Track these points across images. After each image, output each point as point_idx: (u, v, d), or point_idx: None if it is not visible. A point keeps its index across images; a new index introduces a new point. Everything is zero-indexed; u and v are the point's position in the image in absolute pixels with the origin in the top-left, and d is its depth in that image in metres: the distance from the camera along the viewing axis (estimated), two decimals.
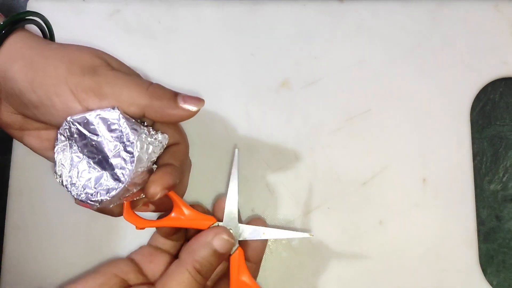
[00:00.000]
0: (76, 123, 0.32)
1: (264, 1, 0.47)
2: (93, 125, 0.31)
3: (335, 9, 0.47)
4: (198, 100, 0.33)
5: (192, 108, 0.33)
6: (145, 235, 0.43)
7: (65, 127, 0.32)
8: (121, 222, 0.44)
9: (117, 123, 0.31)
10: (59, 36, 0.46)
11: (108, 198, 0.31)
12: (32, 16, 0.35)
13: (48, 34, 0.38)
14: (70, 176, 0.32)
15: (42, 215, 0.44)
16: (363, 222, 0.43)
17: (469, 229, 0.43)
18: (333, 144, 0.44)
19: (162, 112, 0.32)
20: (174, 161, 0.34)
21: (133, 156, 0.31)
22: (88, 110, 0.32)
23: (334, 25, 0.46)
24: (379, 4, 0.47)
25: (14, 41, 0.33)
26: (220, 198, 0.39)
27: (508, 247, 0.44)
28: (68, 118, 0.32)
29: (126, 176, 0.31)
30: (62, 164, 0.32)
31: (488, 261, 0.44)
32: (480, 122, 0.46)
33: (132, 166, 0.31)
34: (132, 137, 0.31)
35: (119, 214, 0.36)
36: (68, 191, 0.32)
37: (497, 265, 0.44)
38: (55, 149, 0.32)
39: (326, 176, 0.44)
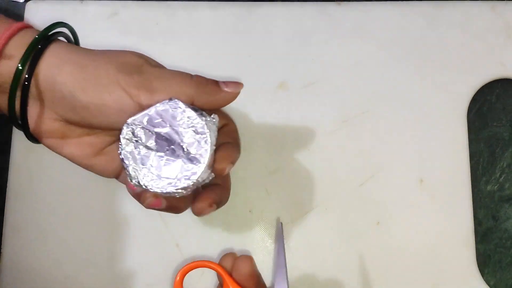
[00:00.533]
0: (137, 123, 0.32)
1: (261, 3, 0.47)
2: (157, 119, 0.32)
3: (332, 11, 0.47)
4: (237, 83, 0.35)
5: (234, 90, 0.35)
6: (144, 237, 0.43)
7: (127, 129, 0.32)
8: (121, 223, 0.44)
9: (180, 111, 0.32)
10: None
11: (194, 181, 0.32)
12: (62, 26, 0.35)
13: (76, 43, 0.39)
14: (146, 175, 0.32)
15: (41, 216, 0.44)
16: (361, 223, 0.43)
17: (466, 229, 0.43)
18: (331, 145, 0.45)
19: (209, 97, 0.34)
20: (229, 139, 0.36)
21: (206, 136, 0.32)
22: (142, 106, 0.32)
23: (331, 27, 0.47)
24: (376, 6, 0.47)
25: (55, 50, 0.33)
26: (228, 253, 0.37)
27: (504, 247, 0.44)
28: (129, 121, 0.32)
29: (204, 157, 0.32)
30: (134, 167, 0.32)
31: (485, 261, 0.44)
32: (477, 123, 0.46)
33: (207, 145, 0.32)
34: (199, 120, 0.32)
35: (185, 209, 0.36)
36: (149, 189, 0.32)
37: (494, 265, 0.44)
38: (122, 155, 0.32)
39: (323, 177, 0.44)
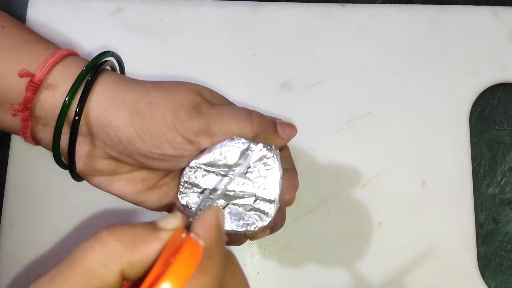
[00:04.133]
0: (199, 165, 0.31)
1: (265, 2, 0.47)
2: (221, 159, 0.31)
3: (337, 12, 0.47)
4: (293, 128, 0.34)
5: (289, 136, 0.34)
6: None
7: (189, 173, 0.31)
8: (120, 220, 0.43)
9: (244, 149, 0.31)
10: (61, 34, 0.46)
11: (267, 223, 0.31)
12: (109, 56, 0.33)
13: (121, 72, 0.37)
14: None
15: (39, 213, 0.44)
16: (363, 223, 0.43)
17: (468, 232, 0.43)
18: (334, 146, 0.45)
19: (266, 141, 0.33)
20: (289, 165, 0.35)
21: (276, 173, 0.31)
22: (201, 149, 0.31)
23: (335, 28, 0.47)
24: (380, 8, 0.47)
25: (105, 85, 0.31)
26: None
27: (505, 250, 0.44)
28: (191, 164, 0.31)
29: (276, 195, 0.31)
30: (197, 210, 0.31)
31: (486, 264, 0.44)
32: (478, 126, 0.46)
33: (278, 182, 0.31)
34: (269, 153, 0.31)
35: (244, 242, 0.35)
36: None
37: (495, 268, 0.44)
38: (183, 199, 0.31)
39: (326, 177, 0.44)
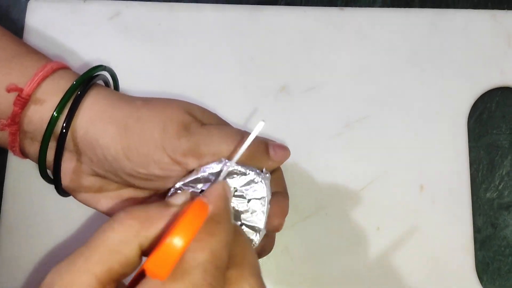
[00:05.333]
0: (186, 187, 0.30)
1: (264, 6, 0.47)
2: (208, 182, 0.30)
3: (335, 16, 0.47)
4: (285, 151, 0.33)
5: (281, 159, 0.33)
6: None
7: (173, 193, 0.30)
8: None
9: (235, 172, 0.30)
10: (59, 38, 0.46)
11: (253, 247, 0.30)
12: (101, 70, 0.33)
13: (114, 87, 0.37)
14: None
15: (37, 217, 0.44)
16: (361, 228, 0.43)
17: (466, 236, 0.43)
18: (331, 150, 0.45)
19: (257, 164, 0.32)
20: (279, 189, 0.34)
21: (263, 200, 0.30)
22: (189, 170, 0.30)
23: (334, 31, 0.47)
24: (379, 12, 0.47)
25: (95, 100, 0.31)
26: None
27: (503, 254, 0.44)
28: (177, 185, 0.30)
29: (262, 221, 0.30)
30: None
31: (484, 268, 0.44)
32: (477, 130, 0.46)
33: (264, 208, 0.30)
34: (258, 178, 0.30)
35: None
36: None
37: (493, 273, 0.44)
38: None
39: (324, 182, 0.44)
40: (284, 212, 0.32)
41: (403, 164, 0.44)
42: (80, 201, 0.34)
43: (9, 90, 0.30)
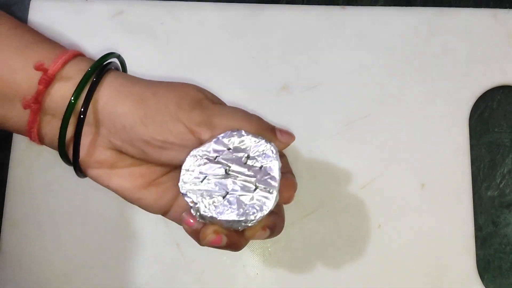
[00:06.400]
0: (202, 154, 0.31)
1: (266, 5, 0.47)
2: (222, 149, 0.31)
3: (337, 15, 0.47)
4: (290, 135, 0.35)
5: (287, 141, 0.35)
6: (144, 236, 0.43)
7: (191, 161, 0.31)
8: (120, 221, 0.44)
9: (246, 139, 0.32)
10: (61, 36, 0.46)
11: (267, 211, 0.31)
12: (115, 57, 0.35)
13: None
14: (211, 206, 0.31)
15: (40, 212, 0.44)
16: (362, 226, 0.43)
17: (467, 235, 0.43)
18: (333, 148, 0.45)
19: None
20: (286, 170, 0.35)
21: (276, 163, 0.31)
22: (202, 142, 0.32)
23: (335, 30, 0.47)
24: (380, 11, 0.47)
25: (112, 79, 0.33)
26: None
27: (504, 252, 0.44)
28: (193, 152, 0.31)
29: (276, 185, 0.31)
30: (197, 197, 0.31)
31: (485, 266, 0.44)
32: (478, 129, 0.46)
33: (278, 172, 0.31)
34: (267, 146, 0.32)
35: (245, 245, 0.34)
36: (216, 220, 0.31)
37: (494, 271, 0.44)
38: (184, 187, 0.31)
39: (325, 180, 0.44)
40: (293, 186, 0.33)
41: (404, 162, 0.44)
42: (92, 177, 0.34)
43: (37, 68, 0.31)
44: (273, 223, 0.32)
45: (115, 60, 0.35)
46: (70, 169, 0.44)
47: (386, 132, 0.45)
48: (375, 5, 0.48)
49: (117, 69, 0.36)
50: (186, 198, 0.31)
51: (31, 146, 0.45)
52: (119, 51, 0.46)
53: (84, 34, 0.47)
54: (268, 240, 0.43)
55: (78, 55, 0.34)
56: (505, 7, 0.48)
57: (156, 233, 0.44)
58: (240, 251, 0.42)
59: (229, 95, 0.45)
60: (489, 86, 0.46)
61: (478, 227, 0.44)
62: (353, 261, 0.43)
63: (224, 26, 0.47)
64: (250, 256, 0.43)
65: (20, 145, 0.45)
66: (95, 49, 0.46)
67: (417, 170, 0.44)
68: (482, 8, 0.47)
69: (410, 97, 0.46)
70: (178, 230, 0.43)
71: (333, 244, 0.43)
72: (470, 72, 0.46)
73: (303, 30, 0.47)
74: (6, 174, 0.45)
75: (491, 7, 0.48)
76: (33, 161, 0.45)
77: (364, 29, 0.47)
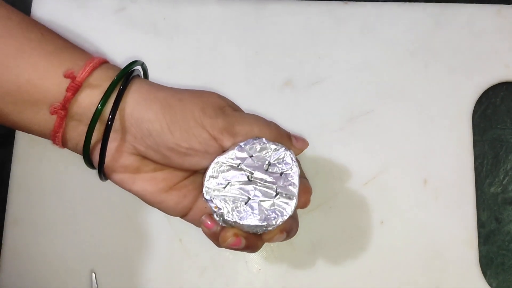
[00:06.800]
0: (225, 160, 0.33)
1: (269, 0, 0.47)
2: (245, 156, 0.33)
3: (340, 10, 0.47)
4: (305, 142, 0.37)
5: (301, 147, 0.37)
6: (147, 231, 0.43)
7: (215, 167, 0.33)
8: (123, 217, 0.44)
9: (267, 147, 0.33)
10: (65, 31, 0.46)
11: (287, 216, 0.32)
12: (138, 64, 0.36)
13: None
14: (233, 210, 0.32)
15: (42, 209, 0.44)
16: (364, 222, 0.43)
17: (470, 231, 0.43)
18: (335, 144, 0.45)
19: None
20: (301, 175, 0.36)
21: (296, 170, 0.33)
22: (223, 149, 0.33)
23: (338, 26, 0.47)
24: (383, 6, 0.47)
25: (138, 86, 0.34)
26: None
27: (507, 249, 0.44)
28: (217, 159, 0.33)
29: (295, 191, 0.33)
30: (219, 202, 0.32)
31: (488, 263, 0.44)
32: (481, 125, 0.46)
33: (297, 178, 0.33)
34: (287, 153, 0.33)
35: (261, 247, 0.35)
36: (238, 224, 0.32)
37: (496, 267, 0.44)
38: (207, 192, 0.32)
39: (327, 175, 0.44)
40: (309, 190, 0.35)
41: (407, 159, 0.44)
42: (116, 181, 0.35)
43: (66, 76, 0.32)
44: (290, 226, 0.34)
45: (138, 67, 0.36)
46: (73, 166, 0.44)
47: (389, 128, 0.45)
48: (378, 1, 0.48)
49: (139, 75, 0.37)
50: (210, 204, 0.32)
51: (34, 143, 0.45)
52: (121, 46, 0.46)
53: (87, 29, 0.47)
54: None
55: (104, 62, 0.35)
56: (509, 3, 0.47)
57: (158, 229, 0.44)
58: None
59: (233, 90, 0.45)
60: (492, 82, 0.46)
61: (481, 224, 0.44)
62: (355, 257, 0.43)
63: (227, 21, 0.47)
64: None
65: (23, 142, 0.45)
66: (97, 45, 0.46)
67: (420, 166, 0.44)
68: (486, 4, 0.47)
69: (414, 93, 0.45)
70: (181, 226, 0.43)
71: (335, 240, 0.43)
72: (474, 68, 0.46)
73: (306, 25, 0.47)
74: (8, 171, 0.45)
75: (495, 3, 0.48)
76: (36, 158, 0.45)
77: (368, 24, 0.47)
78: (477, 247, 0.43)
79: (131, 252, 0.43)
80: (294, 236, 0.43)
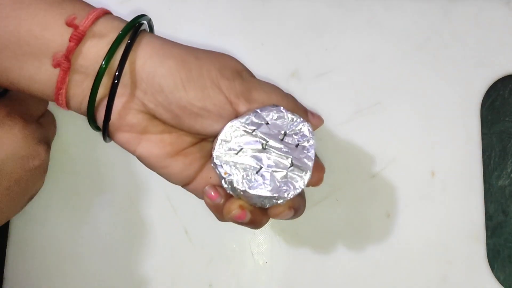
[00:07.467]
0: (240, 125, 0.31)
1: None
2: (261, 122, 0.31)
3: (347, 1, 0.47)
4: (320, 119, 0.36)
5: (317, 123, 0.35)
6: (152, 223, 0.43)
7: (228, 131, 0.31)
8: (128, 208, 0.43)
9: (284, 115, 0.32)
10: None
11: (301, 189, 0.31)
12: (147, 20, 0.33)
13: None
14: (244, 178, 0.30)
15: (46, 201, 0.44)
16: (371, 215, 0.43)
17: (477, 224, 0.43)
18: (342, 136, 0.44)
19: None
20: None
21: (312, 142, 0.32)
22: (238, 114, 0.32)
23: (346, 17, 0.46)
24: None
25: (150, 40, 0.31)
26: None
27: None
28: (231, 123, 0.31)
29: (311, 164, 0.31)
30: (230, 168, 0.30)
31: (495, 256, 0.44)
32: (489, 117, 0.46)
33: (313, 151, 0.31)
34: (304, 124, 0.32)
35: (265, 224, 0.34)
36: (247, 193, 0.30)
37: (504, 260, 0.44)
38: (217, 157, 0.31)
39: (334, 168, 0.44)
40: (322, 168, 0.34)
41: (414, 151, 0.44)
42: (120, 142, 0.33)
43: (68, 23, 0.30)
44: (299, 204, 0.32)
45: (145, 23, 0.33)
46: (77, 157, 0.44)
47: (397, 120, 0.45)
48: None
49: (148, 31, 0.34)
50: (219, 169, 0.31)
51: None
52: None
53: None
54: (277, 228, 0.43)
55: (108, 13, 0.32)
56: None
57: (164, 220, 0.43)
58: (248, 240, 0.43)
59: None
60: (501, 74, 0.45)
61: (488, 217, 0.44)
62: (362, 250, 0.43)
63: (233, 11, 0.46)
64: (259, 244, 0.43)
65: None
66: None
67: (427, 158, 0.44)
68: None
69: (421, 85, 0.45)
70: (187, 217, 0.43)
71: (342, 233, 0.43)
72: (482, 60, 0.45)
73: (313, 16, 0.46)
74: None
75: None
76: None
77: (375, 16, 0.46)
78: (485, 240, 0.43)
79: (137, 243, 0.43)
80: (301, 229, 0.43)
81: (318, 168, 0.33)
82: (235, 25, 0.46)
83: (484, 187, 0.44)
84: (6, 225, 0.44)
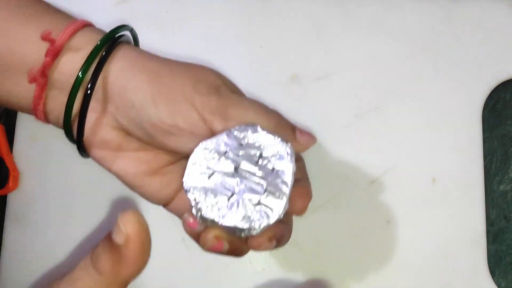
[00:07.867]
0: (211, 147, 0.29)
1: None
2: (234, 144, 0.29)
3: (348, 3, 0.46)
4: (311, 137, 0.33)
5: (307, 144, 0.32)
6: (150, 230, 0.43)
7: (198, 154, 0.29)
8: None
9: (260, 137, 0.30)
10: None
11: (276, 219, 0.28)
12: (128, 30, 0.33)
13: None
14: (214, 207, 0.28)
15: (43, 206, 0.43)
16: (371, 221, 0.43)
17: (478, 230, 0.42)
18: (342, 141, 0.44)
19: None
20: (302, 176, 0.33)
21: (290, 166, 0.29)
22: (213, 132, 0.30)
23: (346, 20, 0.46)
24: (393, 0, 0.46)
25: (126, 52, 0.31)
26: None
27: None
28: (201, 144, 0.29)
29: (288, 189, 0.29)
30: (200, 196, 0.28)
31: (497, 262, 0.43)
32: (491, 121, 0.45)
33: (290, 176, 0.29)
34: (281, 147, 0.29)
35: (247, 252, 0.31)
36: (217, 223, 0.28)
37: (505, 267, 0.43)
38: (187, 182, 0.29)
39: (333, 173, 0.43)
40: (308, 194, 0.31)
41: (415, 156, 0.43)
42: (96, 158, 0.32)
43: (43, 38, 0.29)
44: (281, 233, 0.30)
45: (127, 33, 0.33)
46: (75, 162, 0.43)
47: (397, 125, 0.44)
48: None
49: (129, 42, 0.34)
50: (188, 195, 0.29)
51: (35, 139, 0.44)
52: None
53: None
54: None
55: (88, 25, 0.32)
56: None
57: (161, 228, 0.43)
58: None
59: (237, 85, 0.44)
60: (503, 78, 0.45)
61: (489, 222, 0.44)
62: (361, 257, 0.42)
63: (232, 14, 0.46)
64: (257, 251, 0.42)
65: (24, 138, 0.44)
66: None
67: (428, 164, 0.43)
68: None
69: (422, 89, 0.44)
70: None
71: (341, 240, 0.42)
72: (484, 63, 0.45)
73: (313, 19, 0.46)
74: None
75: None
76: (37, 155, 0.44)
77: (376, 19, 0.46)
78: (486, 246, 0.42)
79: None
80: (299, 236, 0.42)
81: (301, 194, 0.30)
82: (234, 28, 0.46)
83: (486, 193, 0.43)
84: (0, 229, 0.43)
